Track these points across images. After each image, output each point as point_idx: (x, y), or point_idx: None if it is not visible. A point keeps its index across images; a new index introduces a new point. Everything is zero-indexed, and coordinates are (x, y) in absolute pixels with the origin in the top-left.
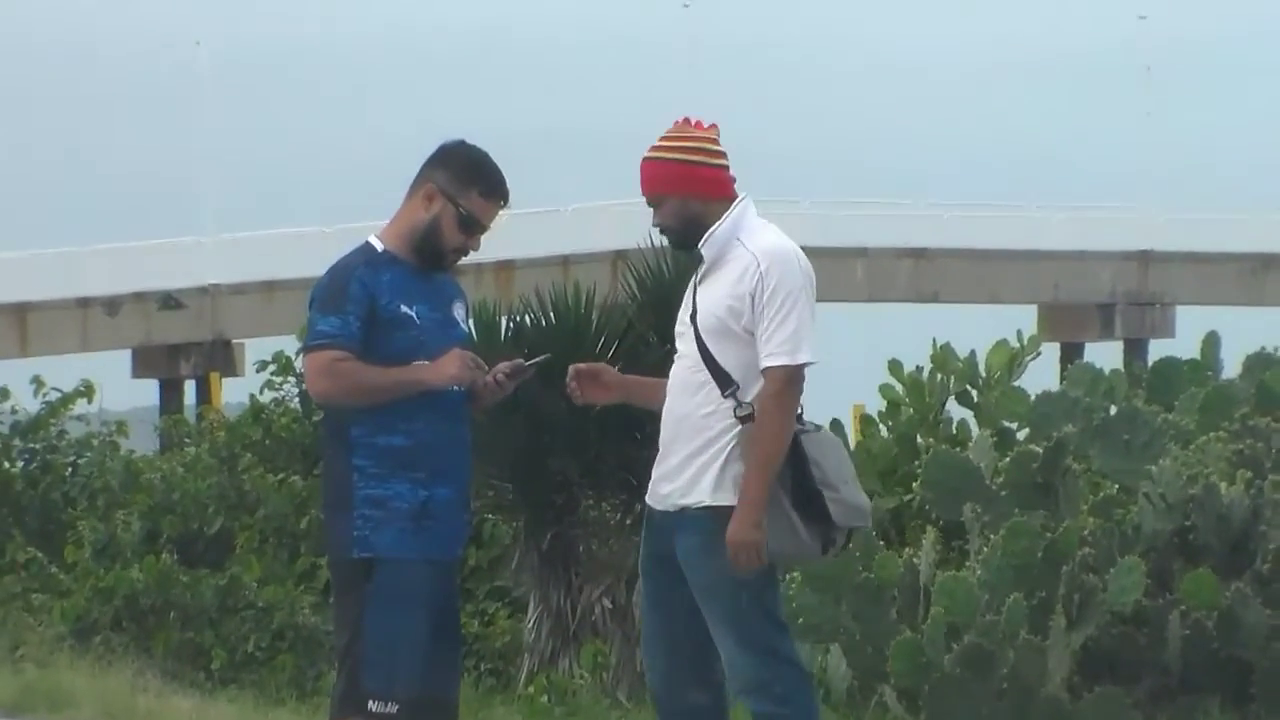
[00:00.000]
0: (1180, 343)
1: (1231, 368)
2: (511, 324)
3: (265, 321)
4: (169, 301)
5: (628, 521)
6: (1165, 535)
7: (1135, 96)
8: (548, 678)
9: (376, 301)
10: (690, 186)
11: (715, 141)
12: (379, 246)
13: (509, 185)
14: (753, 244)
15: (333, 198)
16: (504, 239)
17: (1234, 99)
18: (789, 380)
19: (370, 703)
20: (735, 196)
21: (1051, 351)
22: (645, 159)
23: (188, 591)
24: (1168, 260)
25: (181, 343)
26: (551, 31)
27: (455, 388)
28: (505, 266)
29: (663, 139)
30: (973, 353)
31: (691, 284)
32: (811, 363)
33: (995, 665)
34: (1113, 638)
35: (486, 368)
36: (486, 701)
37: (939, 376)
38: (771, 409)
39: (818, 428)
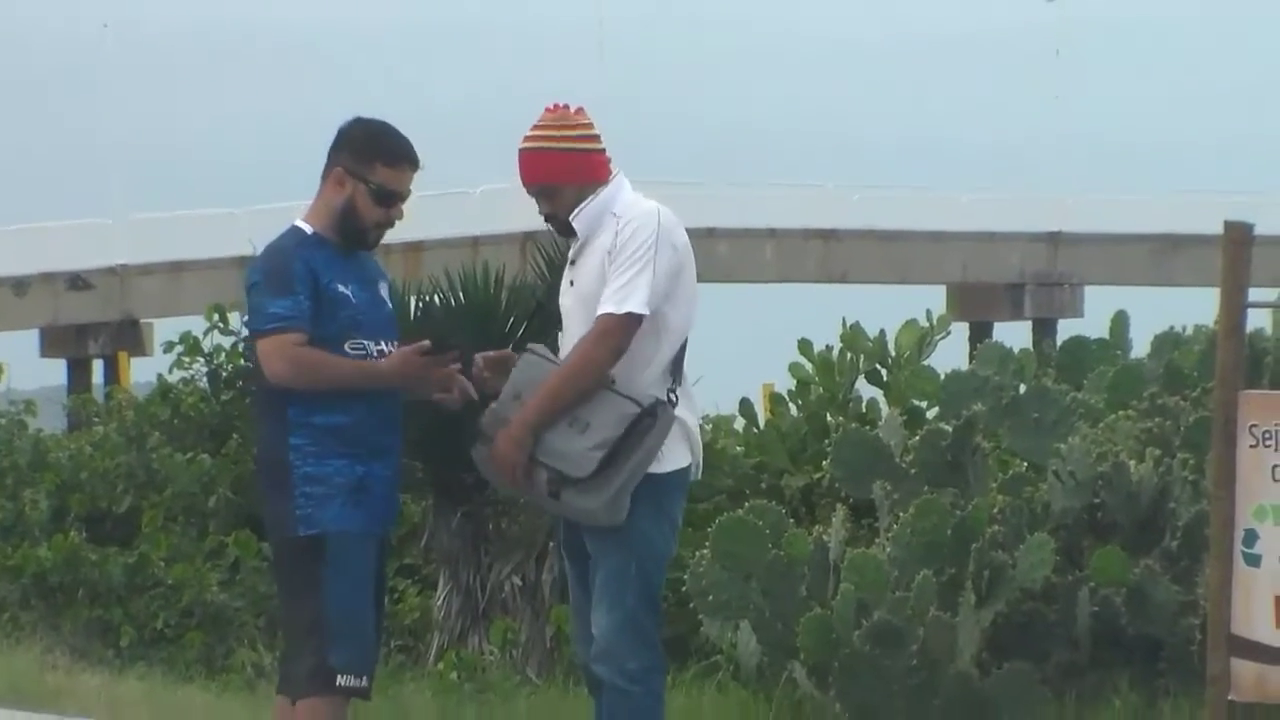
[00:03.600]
0: (1089, 322)
1: (1140, 347)
2: (420, 304)
3: (173, 302)
4: (77, 282)
5: None
6: (1074, 512)
7: (1045, 79)
8: (457, 654)
9: (319, 280)
10: (587, 175)
11: (593, 125)
12: (307, 229)
13: (414, 149)
14: (622, 212)
15: (242, 179)
16: (413, 220)
17: (1141, 81)
18: (609, 329)
19: (339, 678)
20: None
21: (961, 331)
22: (534, 150)
23: (96, 569)
24: (1076, 241)
25: (89, 323)
26: (461, 16)
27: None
28: (414, 248)
29: (544, 128)
30: (882, 332)
31: (569, 265)
32: (639, 314)
33: (905, 642)
34: (1022, 614)
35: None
36: (396, 678)
37: (849, 356)
38: (584, 349)
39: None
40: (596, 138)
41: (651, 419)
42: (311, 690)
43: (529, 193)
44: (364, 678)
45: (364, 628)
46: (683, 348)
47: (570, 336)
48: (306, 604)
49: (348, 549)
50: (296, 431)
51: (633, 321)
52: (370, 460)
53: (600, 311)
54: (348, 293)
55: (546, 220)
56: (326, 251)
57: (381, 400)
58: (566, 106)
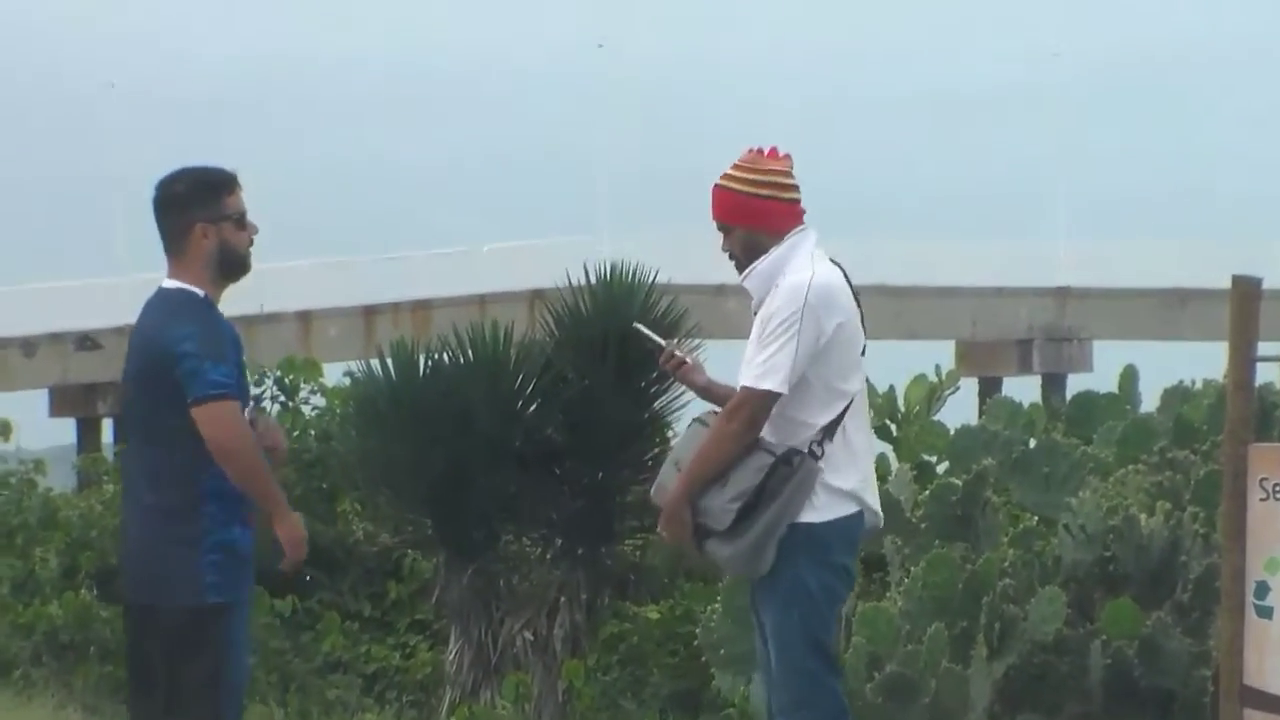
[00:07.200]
0: (1098, 377)
1: (1149, 401)
2: (429, 362)
3: None
4: (85, 342)
5: (548, 556)
6: (1086, 565)
7: (1051, 132)
8: (470, 709)
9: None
10: (755, 220)
11: (789, 174)
12: (200, 293)
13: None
14: (786, 277)
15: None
16: (420, 279)
17: (1147, 133)
18: (744, 402)
19: None
20: (798, 228)
21: (970, 386)
22: (717, 185)
23: (107, 627)
24: (1085, 296)
25: (98, 382)
26: (470, 70)
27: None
28: (423, 306)
29: (735, 167)
30: (891, 387)
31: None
32: (777, 392)
33: (917, 694)
34: (1035, 667)
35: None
36: None
37: None
38: (719, 424)
39: None
40: (784, 187)
41: (788, 467)
42: None
43: (718, 229)
44: None
45: (243, 690)
46: (844, 411)
47: None
48: (207, 667)
49: (241, 617)
50: (210, 499)
51: (770, 398)
52: (249, 527)
53: (740, 383)
54: (241, 361)
55: (730, 258)
56: (221, 316)
57: None
58: (761, 150)
